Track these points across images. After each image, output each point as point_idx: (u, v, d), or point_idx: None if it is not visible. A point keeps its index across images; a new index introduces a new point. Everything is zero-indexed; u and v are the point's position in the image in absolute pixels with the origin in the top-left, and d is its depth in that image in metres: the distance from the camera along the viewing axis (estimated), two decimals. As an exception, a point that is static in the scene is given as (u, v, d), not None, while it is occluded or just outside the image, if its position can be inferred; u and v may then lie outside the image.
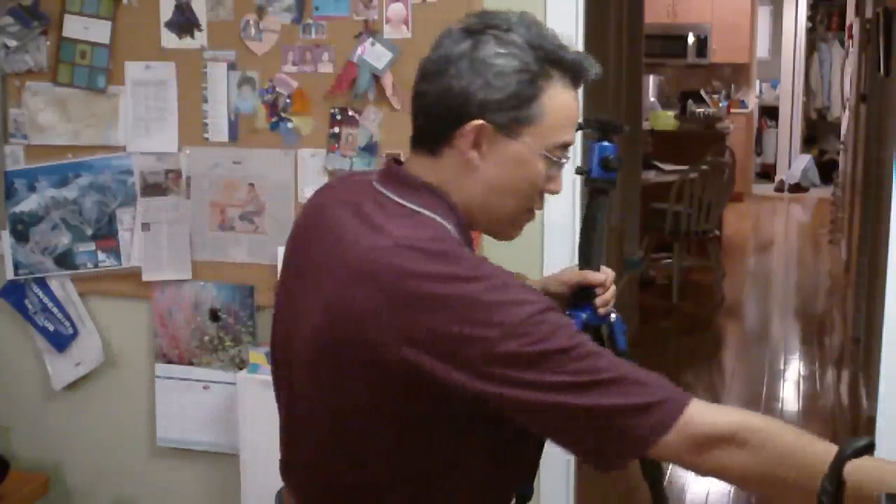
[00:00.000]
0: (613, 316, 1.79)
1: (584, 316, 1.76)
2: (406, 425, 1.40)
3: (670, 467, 4.49)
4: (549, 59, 1.40)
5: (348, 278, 1.36)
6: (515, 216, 1.50)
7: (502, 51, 1.39)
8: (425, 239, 1.37)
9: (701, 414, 1.40)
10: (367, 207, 1.44)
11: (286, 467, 1.63)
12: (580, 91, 1.49)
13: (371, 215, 1.42)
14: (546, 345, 1.29)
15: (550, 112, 1.41)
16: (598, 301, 1.75)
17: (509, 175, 1.44)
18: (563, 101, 1.43)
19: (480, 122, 1.39)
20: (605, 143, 1.80)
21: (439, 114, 1.42)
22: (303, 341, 1.45)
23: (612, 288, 1.78)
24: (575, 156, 2.50)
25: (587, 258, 1.78)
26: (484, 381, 1.29)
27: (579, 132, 1.68)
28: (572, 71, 1.43)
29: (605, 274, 1.76)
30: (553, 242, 2.51)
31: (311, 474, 1.54)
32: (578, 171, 1.78)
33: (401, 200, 1.44)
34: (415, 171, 1.48)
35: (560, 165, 1.47)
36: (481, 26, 1.43)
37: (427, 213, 1.42)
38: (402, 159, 1.56)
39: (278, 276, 1.66)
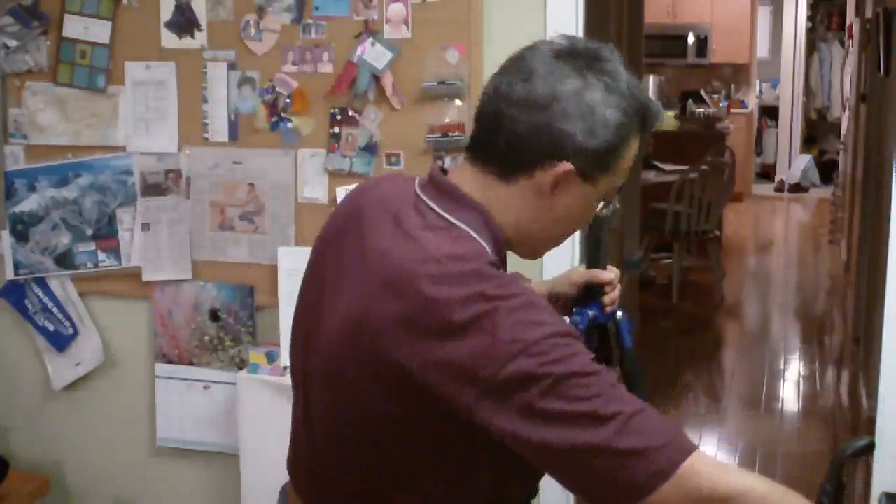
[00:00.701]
0: (620, 314, 1.81)
1: (590, 313, 1.77)
2: (416, 438, 1.39)
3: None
4: (639, 110, 1.39)
5: (374, 287, 1.35)
6: (558, 240, 1.53)
7: (611, 100, 1.36)
8: (457, 256, 1.34)
9: (703, 469, 1.30)
10: (406, 214, 1.42)
11: (294, 465, 1.63)
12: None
13: (407, 224, 1.40)
14: (559, 367, 1.26)
15: (625, 162, 1.42)
16: (606, 300, 1.76)
17: (574, 212, 1.44)
18: (634, 150, 1.42)
19: (570, 166, 1.37)
20: None
21: (529, 146, 1.37)
22: (322, 345, 1.44)
23: (619, 287, 1.80)
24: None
25: (595, 258, 1.79)
26: (487, 403, 1.27)
27: None
28: (650, 120, 1.42)
29: (613, 273, 1.77)
30: (553, 242, 2.51)
31: (319, 477, 1.54)
32: None
33: (441, 211, 1.41)
34: (465, 182, 1.43)
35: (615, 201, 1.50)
36: (588, 63, 1.37)
37: (465, 227, 1.39)
38: (447, 167, 1.53)
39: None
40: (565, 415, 1.26)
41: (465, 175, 1.44)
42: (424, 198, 1.43)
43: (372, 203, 1.48)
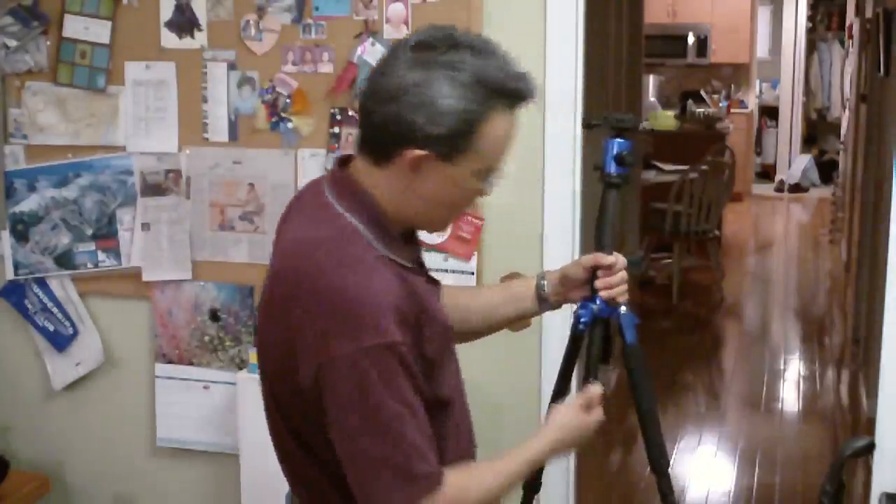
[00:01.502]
0: (624, 308, 1.83)
1: (594, 307, 1.82)
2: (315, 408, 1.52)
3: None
4: (494, 93, 1.48)
5: (272, 278, 1.57)
6: (447, 222, 1.65)
7: (451, 91, 1.46)
8: (326, 238, 1.52)
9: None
10: (308, 209, 1.60)
11: None
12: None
13: (305, 218, 1.59)
14: (364, 377, 1.44)
15: (487, 142, 1.50)
16: (600, 283, 1.80)
17: (445, 193, 1.54)
18: (500, 130, 1.51)
19: (422, 151, 1.48)
20: (620, 140, 1.86)
21: (385, 135, 1.50)
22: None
23: (622, 275, 1.82)
24: (574, 152, 2.50)
25: (600, 244, 1.84)
26: (309, 370, 1.47)
27: (588, 129, 1.77)
28: (513, 98, 1.51)
29: (614, 257, 1.81)
30: (553, 242, 2.51)
31: (281, 463, 1.66)
32: (595, 167, 1.87)
33: (334, 202, 1.56)
34: (357, 170, 1.58)
35: (494, 182, 1.56)
36: (434, 58, 1.48)
37: (349, 216, 1.54)
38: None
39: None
40: (352, 408, 1.46)
41: (356, 164, 1.58)
42: (326, 192, 1.58)
43: (296, 204, 1.67)
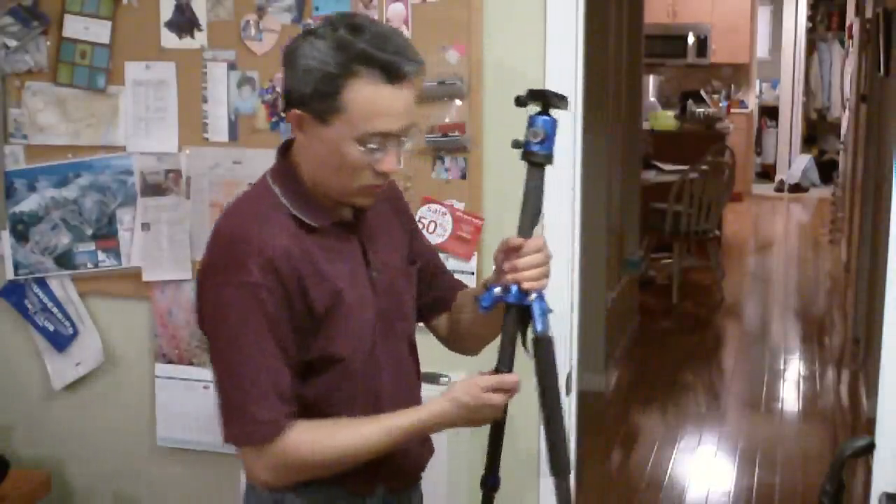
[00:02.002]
0: (533, 295, 1.75)
1: (495, 290, 1.77)
2: None
3: (666, 467, 4.50)
4: (356, 59, 1.60)
5: None
6: (351, 189, 1.70)
7: (310, 53, 1.62)
8: (243, 196, 1.77)
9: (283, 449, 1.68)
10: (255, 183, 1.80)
11: None
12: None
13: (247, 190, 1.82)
14: (224, 309, 1.65)
15: (355, 104, 1.61)
16: (507, 266, 1.75)
17: (328, 156, 1.66)
18: (369, 96, 1.61)
19: (298, 111, 1.65)
20: (539, 116, 1.79)
21: (285, 100, 1.70)
22: None
23: (531, 259, 1.75)
24: (574, 152, 2.50)
25: (520, 225, 1.78)
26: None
27: (520, 107, 1.78)
28: (381, 68, 1.60)
29: (521, 241, 1.75)
30: (553, 242, 2.50)
31: None
32: (514, 144, 1.79)
33: (268, 171, 1.77)
34: (295, 145, 1.75)
35: (377, 150, 1.64)
36: (305, 31, 1.67)
37: (271, 180, 1.74)
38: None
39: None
40: (214, 338, 1.69)
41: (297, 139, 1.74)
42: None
43: None
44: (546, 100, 1.79)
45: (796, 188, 11.63)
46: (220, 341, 1.68)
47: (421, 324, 1.99)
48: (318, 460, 1.70)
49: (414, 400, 1.87)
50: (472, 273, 2.55)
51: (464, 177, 2.53)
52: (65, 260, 2.83)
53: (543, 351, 1.78)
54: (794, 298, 7.68)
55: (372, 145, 1.64)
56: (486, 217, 2.53)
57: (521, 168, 2.49)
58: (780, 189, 11.74)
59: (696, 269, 7.67)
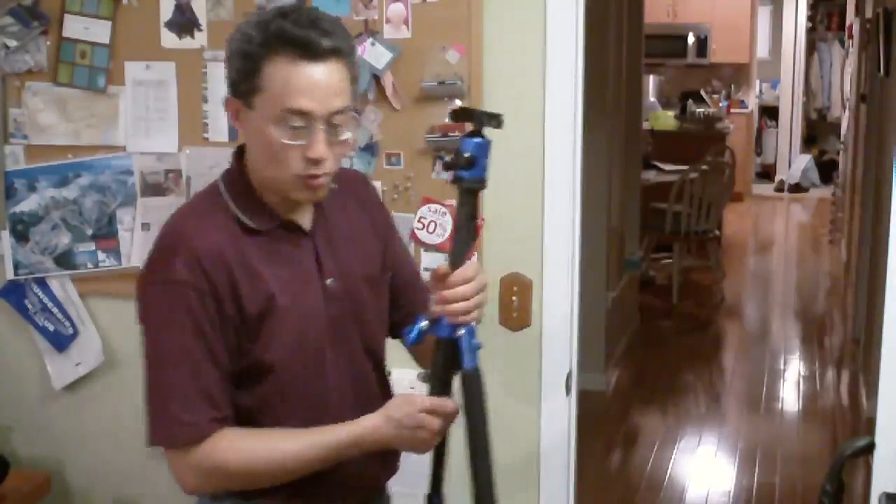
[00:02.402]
0: (462, 331, 1.64)
1: (421, 324, 1.66)
2: None
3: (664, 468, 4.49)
4: (273, 36, 1.59)
5: None
6: (286, 179, 1.65)
7: (234, 36, 1.64)
8: (192, 200, 1.79)
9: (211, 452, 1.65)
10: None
11: None
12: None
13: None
14: (150, 308, 1.64)
15: (273, 81, 1.60)
16: (437, 298, 1.65)
17: (258, 143, 1.66)
18: (285, 72, 1.59)
19: (231, 98, 1.66)
20: (470, 139, 1.65)
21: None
22: None
23: (459, 291, 1.64)
24: (574, 152, 2.49)
25: (450, 254, 1.68)
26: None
27: (454, 121, 1.77)
28: (297, 44, 1.58)
29: (445, 270, 1.66)
30: (553, 242, 2.51)
31: None
32: (445, 167, 1.73)
33: (221, 175, 1.77)
34: None
35: (298, 131, 1.60)
36: (253, 14, 1.68)
37: (220, 181, 1.74)
38: None
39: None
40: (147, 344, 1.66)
41: None
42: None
43: None
44: (476, 119, 1.65)
45: (796, 188, 11.64)
46: (147, 340, 1.66)
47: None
48: (244, 469, 1.65)
49: (312, 407, 1.76)
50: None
51: (464, 177, 2.53)
52: (65, 260, 2.83)
53: (471, 388, 1.66)
54: (794, 298, 7.68)
55: (293, 124, 1.60)
56: (486, 217, 2.53)
57: (521, 168, 2.50)
58: (780, 189, 11.74)
59: (696, 269, 7.68)
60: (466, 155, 1.65)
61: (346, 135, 1.66)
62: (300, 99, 1.59)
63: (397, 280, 1.90)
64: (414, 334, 1.68)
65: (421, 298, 1.90)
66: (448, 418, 1.67)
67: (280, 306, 1.67)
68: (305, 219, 1.74)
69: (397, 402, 1.69)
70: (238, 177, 1.72)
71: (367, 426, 1.66)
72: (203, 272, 1.61)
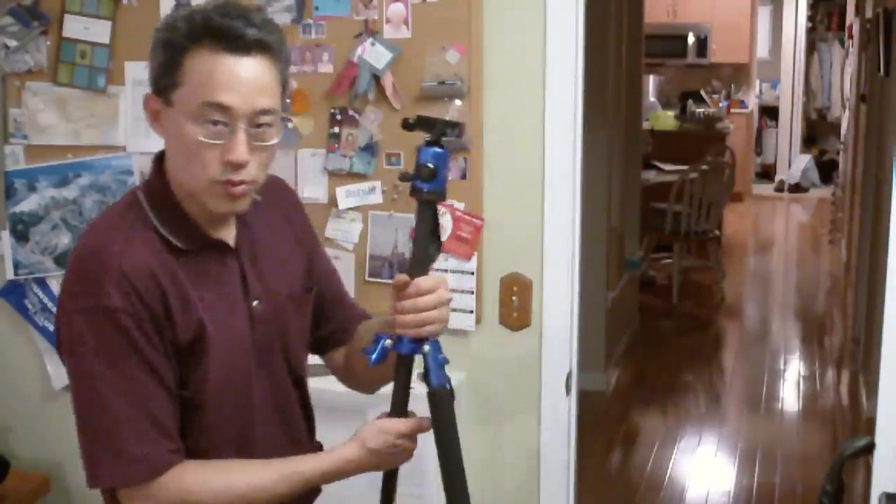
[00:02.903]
0: (427, 347, 1.57)
1: (385, 342, 1.58)
2: None
3: (666, 468, 4.50)
4: (197, 26, 1.48)
5: None
6: (202, 184, 1.51)
7: (160, 26, 1.53)
8: (110, 209, 1.61)
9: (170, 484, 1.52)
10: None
11: None
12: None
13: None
14: (78, 339, 1.48)
15: (193, 74, 1.48)
16: (394, 310, 1.58)
17: (176, 142, 1.51)
18: (208, 63, 1.47)
19: (151, 96, 1.53)
20: (428, 148, 1.60)
21: None
22: None
23: (419, 301, 1.56)
24: (574, 152, 2.49)
25: (409, 266, 1.61)
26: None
27: (407, 130, 1.63)
28: (221, 36, 1.47)
29: (405, 279, 1.58)
30: (553, 242, 2.51)
31: None
32: (402, 177, 1.62)
33: (140, 184, 1.63)
34: None
35: (216, 128, 1.47)
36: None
37: (140, 192, 1.58)
38: None
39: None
40: (74, 376, 1.52)
41: None
42: None
43: None
44: (437, 128, 1.60)
45: (796, 188, 11.63)
46: (79, 375, 1.50)
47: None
48: (207, 501, 1.53)
49: (295, 443, 1.70)
50: (472, 273, 2.55)
51: (464, 177, 2.53)
52: (65, 260, 2.83)
53: (444, 406, 1.58)
54: (794, 298, 7.68)
55: (212, 118, 1.46)
56: (486, 217, 2.53)
57: (521, 168, 2.50)
58: (780, 189, 11.74)
59: (696, 269, 7.67)
60: (429, 166, 1.59)
61: (272, 140, 1.52)
62: (221, 93, 1.46)
63: (323, 296, 1.79)
64: (377, 354, 1.59)
65: (350, 315, 1.84)
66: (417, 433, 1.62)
67: (210, 336, 1.53)
68: (230, 234, 1.61)
69: (371, 431, 1.59)
70: (159, 187, 1.56)
71: (344, 457, 1.58)
72: (137, 296, 1.46)
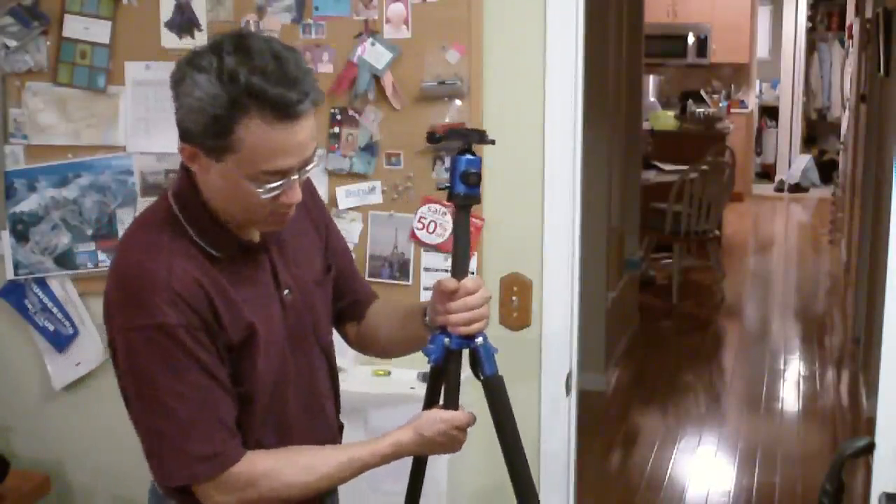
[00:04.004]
0: (480, 339, 1.74)
1: (445, 340, 1.72)
2: None
3: (665, 470, 4.49)
4: (244, 95, 1.46)
5: None
6: (256, 221, 1.62)
7: (193, 91, 1.48)
8: (144, 220, 1.66)
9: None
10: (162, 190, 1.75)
11: None
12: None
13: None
14: (138, 354, 1.56)
15: (248, 145, 1.49)
16: (445, 309, 1.72)
17: (225, 189, 1.56)
18: (261, 136, 1.49)
19: (189, 146, 1.54)
20: (467, 157, 1.74)
21: (177, 130, 1.57)
22: None
23: (466, 301, 1.73)
24: (574, 152, 2.49)
25: (453, 267, 1.77)
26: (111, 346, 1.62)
27: (433, 143, 1.79)
28: (272, 106, 1.47)
29: (456, 283, 1.73)
30: (553, 242, 2.51)
31: None
32: (440, 187, 1.77)
33: (171, 187, 1.66)
34: None
35: (276, 187, 1.54)
36: (188, 60, 1.52)
37: (174, 200, 1.63)
38: None
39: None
40: (136, 389, 1.61)
41: None
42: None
43: None
44: (471, 138, 1.75)
45: (796, 188, 11.63)
46: (143, 386, 1.58)
47: None
48: (276, 486, 1.63)
49: (327, 424, 1.84)
50: (472, 273, 2.55)
51: (464, 177, 2.53)
52: (65, 260, 2.83)
53: (499, 391, 1.77)
54: (794, 298, 7.68)
55: (270, 185, 1.53)
56: (486, 217, 2.53)
57: (521, 168, 2.50)
58: (780, 189, 11.74)
59: (696, 269, 7.67)
60: (474, 171, 1.72)
61: (313, 166, 1.61)
62: (278, 160, 1.52)
63: (340, 272, 1.89)
64: (438, 353, 1.74)
65: (361, 289, 1.98)
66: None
67: (259, 334, 1.64)
68: (255, 232, 1.69)
69: (428, 420, 1.72)
70: (191, 198, 1.62)
71: (401, 442, 1.71)
72: (191, 309, 1.55)
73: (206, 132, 1.50)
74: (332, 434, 1.85)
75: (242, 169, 1.52)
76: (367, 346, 1.99)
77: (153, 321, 1.53)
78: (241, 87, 1.46)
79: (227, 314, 1.60)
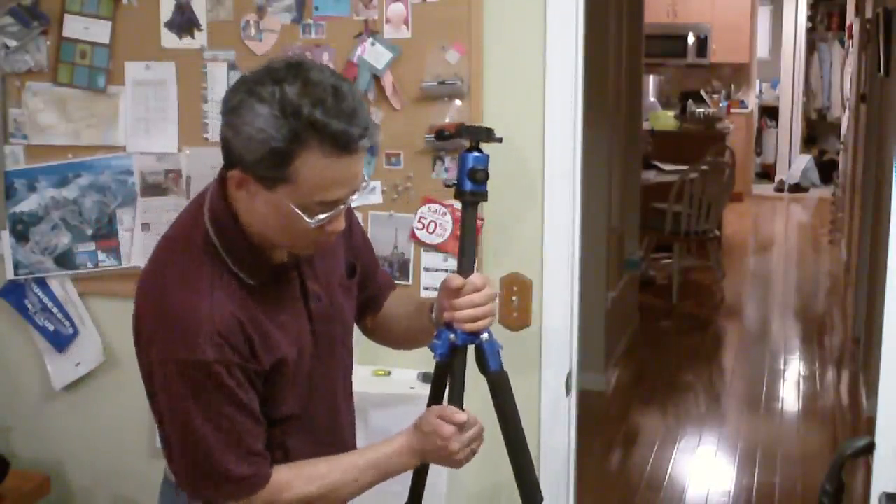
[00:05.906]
0: (485, 335, 1.76)
1: (451, 336, 1.74)
2: None
3: (663, 468, 4.49)
4: (305, 129, 1.47)
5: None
6: (292, 246, 1.64)
7: (252, 121, 1.48)
8: (185, 247, 1.62)
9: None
10: (192, 204, 1.68)
11: None
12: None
13: (184, 212, 1.70)
14: (172, 383, 1.58)
15: (305, 177, 1.50)
16: (451, 305, 1.74)
17: (273, 217, 1.56)
18: (319, 168, 1.50)
19: (241, 173, 1.53)
20: (474, 154, 1.78)
21: (223, 153, 1.57)
22: None
23: (471, 298, 1.74)
24: (574, 152, 2.49)
25: (459, 265, 1.80)
26: (141, 368, 1.65)
27: (441, 140, 1.80)
28: (333, 139, 1.48)
29: (461, 281, 1.75)
30: (553, 241, 2.51)
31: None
32: (447, 184, 1.78)
33: (206, 206, 1.64)
34: None
35: (324, 218, 1.56)
36: (247, 88, 1.50)
37: (209, 222, 1.61)
38: None
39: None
40: (171, 408, 1.62)
41: None
42: (208, 191, 1.66)
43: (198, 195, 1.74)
44: (480, 135, 1.78)
45: (796, 188, 11.64)
46: (176, 412, 1.62)
47: None
48: (305, 496, 1.69)
49: (348, 422, 1.88)
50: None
51: (464, 177, 2.53)
52: (65, 260, 2.83)
53: (504, 387, 1.79)
54: (794, 298, 7.68)
55: (320, 216, 1.55)
56: (486, 217, 2.53)
57: (521, 168, 2.50)
58: (780, 189, 11.74)
59: (696, 269, 7.67)
60: (482, 168, 1.75)
61: (359, 193, 1.62)
62: (332, 192, 1.54)
63: (362, 268, 1.91)
64: (445, 349, 1.75)
65: (382, 282, 2.00)
66: (462, 429, 1.73)
67: (289, 363, 1.67)
68: (283, 251, 1.70)
69: (428, 413, 1.74)
70: (229, 224, 1.61)
71: (406, 440, 1.74)
72: (229, 346, 1.57)
73: (263, 162, 1.49)
74: (351, 431, 1.90)
75: (295, 199, 1.52)
76: (381, 335, 2.02)
77: (192, 357, 1.55)
78: (303, 120, 1.46)
79: (260, 342, 1.62)
